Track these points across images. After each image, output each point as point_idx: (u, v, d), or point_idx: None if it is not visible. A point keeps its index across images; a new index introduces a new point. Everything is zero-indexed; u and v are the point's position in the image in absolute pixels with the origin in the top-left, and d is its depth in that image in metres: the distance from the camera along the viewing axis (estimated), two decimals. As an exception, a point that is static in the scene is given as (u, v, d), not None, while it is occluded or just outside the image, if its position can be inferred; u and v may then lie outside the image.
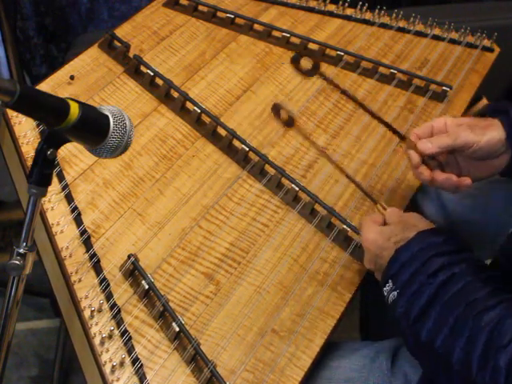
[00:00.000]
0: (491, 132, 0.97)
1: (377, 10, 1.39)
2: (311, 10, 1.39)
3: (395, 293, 0.86)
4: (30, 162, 1.04)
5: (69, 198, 1.01)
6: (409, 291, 0.85)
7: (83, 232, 0.98)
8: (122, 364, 0.87)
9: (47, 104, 0.71)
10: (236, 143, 1.13)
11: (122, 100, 1.16)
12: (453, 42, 1.38)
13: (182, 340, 0.90)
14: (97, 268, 0.95)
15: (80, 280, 0.93)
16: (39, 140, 1.06)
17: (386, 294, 0.89)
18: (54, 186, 1.02)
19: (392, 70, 1.28)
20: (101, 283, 0.93)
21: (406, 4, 2.04)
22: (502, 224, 1.10)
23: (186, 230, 1.02)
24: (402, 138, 1.01)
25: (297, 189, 1.08)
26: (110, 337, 0.89)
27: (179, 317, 0.91)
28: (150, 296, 0.93)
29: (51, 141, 0.74)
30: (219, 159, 1.12)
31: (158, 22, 1.30)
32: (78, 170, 1.05)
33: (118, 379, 0.86)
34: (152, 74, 1.17)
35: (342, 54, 1.29)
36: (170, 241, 1.00)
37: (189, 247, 1.00)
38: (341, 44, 1.33)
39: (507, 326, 0.76)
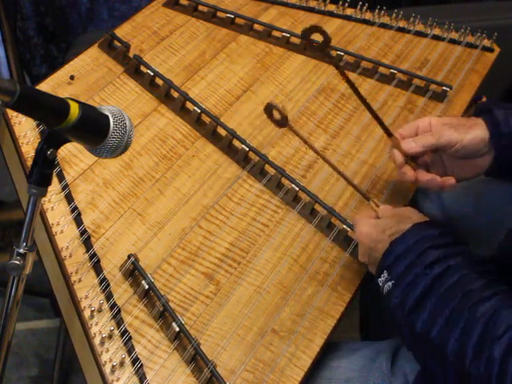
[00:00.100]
0: (474, 131, 0.98)
1: (377, 10, 1.39)
2: (311, 10, 1.39)
3: (390, 283, 0.86)
4: (29, 162, 1.04)
5: (69, 198, 1.01)
6: (404, 282, 0.85)
7: (83, 232, 0.98)
8: (121, 364, 0.87)
9: (47, 104, 0.71)
10: (236, 143, 1.13)
11: (121, 100, 1.16)
12: (453, 42, 1.38)
13: (182, 340, 0.90)
14: (97, 268, 0.95)
15: (80, 280, 0.93)
16: (39, 140, 1.06)
17: (380, 284, 0.88)
18: (54, 186, 1.02)
19: (392, 70, 1.28)
20: (101, 283, 0.93)
21: (406, 4, 2.04)
22: (499, 222, 1.10)
23: (185, 230, 1.02)
24: (390, 136, 1.02)
25: (297, 189, 1.08)
26: (110, 337, 0.89)
27: (179, 317, 0.91)
28: (149, 296, 0.93)
29: (51, 141, 0.74)
30: (219, 159, 1.12)
31: (157, 22, 1.30)
32: (78, 170, 1.05)
33: (117, 379, 0.86)
34: (152, 74, 1.17)
35: (342, 54, 1.29)
36: (170, 241, 1.00)
37: (189, 247, 1.00)
38: (341, 44, 1.33)
39: (502, 318, 0.76)
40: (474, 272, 0.83)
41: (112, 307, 0.91)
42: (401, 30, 1.39)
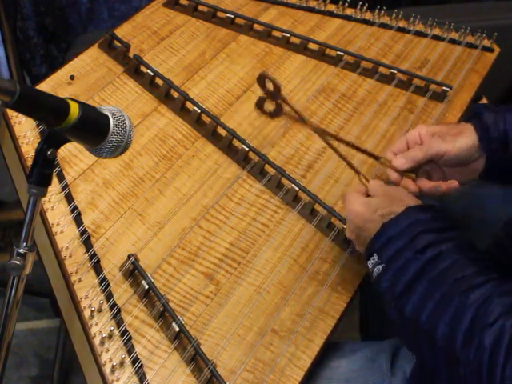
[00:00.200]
0: (462, 139, 0.99)
1: (377, 10, 1.39)
2: (311, 10, 1.39)
3: (380, 267, 0.86)
4: (29, 162, 1.04)
5: (69, 198, 1.01)
6: (395, 265, 0.84)
7: (83, 232, 0.98)
8: (121, 364, 0.87)
9: (47, 104, 0.71)
10: (236, 143, 1.13)
11: (122, 100, 1.16)
12: (453, 42, 1.38)
13: (182, 340, 0.90)
14: (97, 268, 0.95)
15: (80, 280, 0.93)
16: (39, 140, 1.06)
17: (370, 267, 0.88)
18: (54, 186, 1.02)
19: (392, 70, 1.28)
20: (101, 283, 0.93)
21: (406, 4, 2.04)
22: (499, 221, 1.10)
23: (186, 230, 1.02)
24: (377, 158, 1.03)
25: (297, 189, 1.08)
26: (110, 337, 0.89)
27: (179, 317, 0.91)
28: (149, 296, 0.93)
29: (51, 141, 0.74)
30: (219, 159, 1.12)
31: (158, 22, 1.30)
32: (78, 170, 1.05)
33: (117, 379, 0.86)
34: (152, 74, 1.17)
35: (342, 54, 1.29)
36: (170, 241, 1.00)
37: (189, 247, 1.00)
38: (341, 44, 1.33)
39: (494, 305, 0.76)
40: (467, 258, 0.83)
41: (112, 307, 0.91)
42: (401, 29, 1.39)
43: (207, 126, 1.14)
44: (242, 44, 1.30)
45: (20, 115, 1.08)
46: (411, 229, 0.86)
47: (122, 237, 1.00)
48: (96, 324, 0.90)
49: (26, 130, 1.08)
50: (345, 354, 1.01)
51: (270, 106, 0.94)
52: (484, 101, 1.30)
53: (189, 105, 1.16)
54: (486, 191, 1.23)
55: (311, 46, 1.31)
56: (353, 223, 0.94)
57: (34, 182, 0.74)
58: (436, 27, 1.39)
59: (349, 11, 1.40)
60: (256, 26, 1.32)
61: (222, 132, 1.13)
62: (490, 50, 1.38)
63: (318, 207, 1.07)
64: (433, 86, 1.28)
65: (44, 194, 0.76)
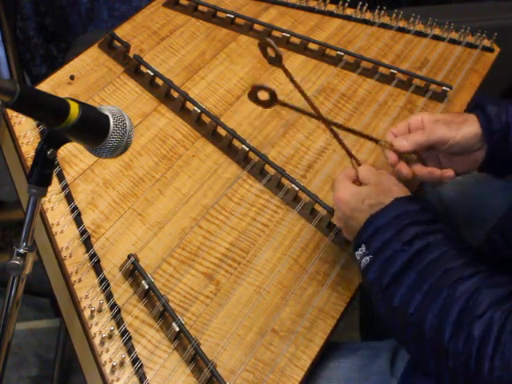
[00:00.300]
0: (467, 127, 0.98)
1: (377, 10, 1.39)
2: (311, 10, 1.39)
3: (368, 258, 0.86)
4: (29, 162, 1.04)
5: (69, 198, 1.01)
6: (382, 257, 0.84)
7: (83, 232, 0.98)
8: (121, 364, 0.87)
9: (47, 104, 0.72)
10: (236, 143, 1.13)
11: (122, 100, 1.16)
12: (453, 42, 1.38)
13: (182, 340, 0.90)
14: (97, 268, 0.95)
15: (80, 280, 0.93)
16: (39, 140, 1.06)
17: (358, 258, 0.88)
18: (54, 186, 1.02)
19: (392, 70, 1.28)
20: (101, 283, 0.93)
21: (406, 4, 2.04)
22: (491, 212, 1.11)
23: (186, 230, 1.02)
24: (377, 141, 1.03)
25: (297, 189, 1.08)
26: (110, 337, 0.89)
27: (179, 317, 0.91)
28: (149, 296, 0.93)
29: (51, 141, 0.74)
30: (219, 159, 1.12)
31: (158, 22, 1.30)
32: (78, 170, 1.05)
33: (117, 379, 0.86)
34: (152, 74, 1.17)
35: (342, 54, 1.29)
36: (170, 241, 1.00)
37: (189, 247, 1.00)
38: (341, 44, 1.33)
39: (483, 297, 0.76)
40: (455, 249, 0.83)
41: (112, 307, 0.91)
42: (401, 30, 1.39)
43: (207, 126, 1.14)
44: (241, 44, 1.30)
45: (20, 115, 1.08)
46: (399, 220, 0.86)
47: (122, 237, 1.00)
48: (96, 324, 0.90)
49: (26, 130, 1.08)
50: (345, 354, 1.01)
51: (262, 96, 0.93)
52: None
53: (189, 105, 1.16)
54: (486, 191, 1.23)
55: (311, 45, 1.31)
56: (340, 211, 0.94)
57: (34, 182, 0.74)
58: (436, 27, 1.39)
59: (349, 11, 1.40)
60: (256, 26, 1.32)
61: (222, 132, 1.13)
62: (490, 50, 1.38)
63: (317, 207, 1.07)
64: (433, 86, 1.28)
65: (44, 194, 0.76)
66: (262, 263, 1.01)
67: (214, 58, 1.26)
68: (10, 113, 1.09)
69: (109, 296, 0.92)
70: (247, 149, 1.11)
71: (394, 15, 1.39)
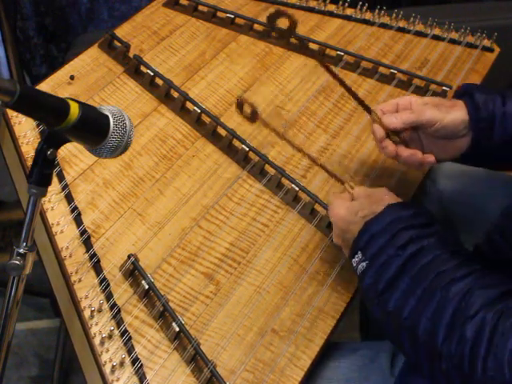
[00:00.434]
0: (456, 112, 0.99)
1: (377, 10, 1.39)
2: (311, 10, 1.39)
3: (364, 264, 0.86)
4: (29, 162, 1.04)
5: (69, 198, 1.01)
6: (377, 262, 0.85)
7: (83, 232, 0.98)
8: (122, 364, 0.87)
9: (47, 104, 0.71)
10: (236, 143, 1.13)
11: (122, 100, 1.16)
12: (453, 42, 1.38)
13: (182, 340, 0.90)
14: (97, 268, 0.95)
15: (80, 280, 0.93)
16: (39, 140, 1.06)
17: (354, 265, 0.89)
18: (54, 186, 1.02)
19: (392, 70, 1.28)
20: (101, 283, 0.93)
21: (406, 4, 2.04)
22: (490, 212, 1.11)
23: (186, 230, 1.02)
24: (370, 111, 1.03)
25: (297, 189, 1.08)
26: (110, 337, 0.89)
27: (179, 317, 0.91)
28: (150, 296, 0.93)
29: (51, 141, 0.74)
30: (219, 159, 1.12)
31: (158, 22, 1.30)
32: (78, 170, 1.05)
33: (117, 379, 0.86)
34: (152, 74, 1.17)
35: (342, 54, 1.29)
36: (170, 241, 1.00)
37: (189, 247, 1.00)
38: (341, 44, 1.33)
39: (475, 298, 0.76)
40: (448, 252, 0.83)
41: (112, 307, 0.91)
42: (401, 30, 1.39)
43: (207, 126, 1.14)
44: (242, 44, 1.30)
45: (20, 115, 1.08)
46: (392, 226, 0.86)
47: (122, 237, 1.00)
48: (96, 324, 0.90)
49: (26, 130, 1.08)
50: (345, 354, 1.01)
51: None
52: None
53: (189, 105, 1.16)
54: (486, 191, 1.23)
55: (311, 45, 1.31)
56: (337, 227, 0.95)
57: (34, 182, 0.74)
58: (436, 27, 1.39)
59: (349, 11, 1.40)
60: (256, 26, 1.32)
61: (222, 132, 1.13)
62: (490, 50, 1.38)
63: (317, 207, 1.07)
64: (433, 86, 1.28)
65: (44, 194, 0.76)
66: (261, 263, 1.01)
67: (214, 58, 1.26)
68: (10, 113, 1.09)
69: (109, 296, 0.92)
70: (247, 149, 1.11)
71: (394, 15, 1.39)
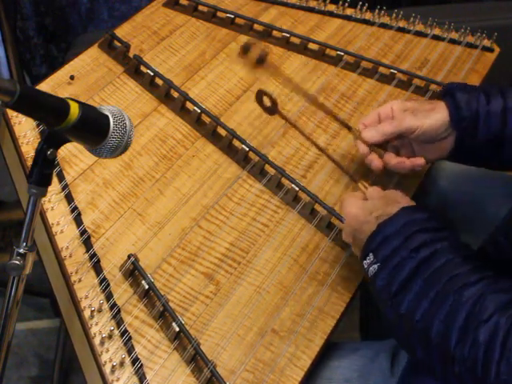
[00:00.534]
0: (434, 115, 1.00)
1: (377, 10, 1.39)
2: (311, 10, 1.39)
3: (376, 266, 0.86)
4: (29, 162, 1.04)
5: (69, 198, 1.01)
6: (390, 264, 0.85)
7: (83, 232, 0.98)
8: (122, 364, 0.87)
9: (47, 104, 0.71)
10: (236, 143, 1.13)
11: (122, 100, 1.16)
12: (453, 42, 1.38)
13: (182, 340, 0.90)
14: (97, 268, 0.95)
15: (80, 280, 0.93)
16: (39, 140, 1.06)
17: (365, 266, 0.88)
18: (54, 186, 1.02)
19: (392, 70, 1.28)
20: (101, 283, 0.93)
21: (406, 4, 2.04)
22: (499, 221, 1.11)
23: (186, 230, 1.02)
24: (350, 128, 1.04)
25: (297, 189, 1.08)
26: (110, 337, 0.89)
27: (179, 317, 0.91)
28: (150, 296, 0.93)
29: (51, 141, 0.74)
30: (219, 159, 1.12)
31: (158, 22, 1.30)
32: (78, 170, 1.05)
33: (117, 379, 0.86)
34: (152, 74, 1.17)
35: (342, 54, 1.29)
36: (170, 241, 1.00)
37: (189, 247, 1.00)
38: (341, 44, 1.33)
39: (488, 302, 0.76)
40: (461, 257, 0.83)
41: (112, 307, 0.91)
42: (401, 30, 1.39)
43: (207, 126, 1.14)
44: (242, 44, 1.30)
45: (20, 115, 1.08)
46: (406, 228, 0.86)
47: (122, 237, 1.00)
48: (96, 324, 0.90)
49: (26, 130, 1.08)
50: (345, 354, 1.01)
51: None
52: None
53: (189, 105, 1.16)
54: (486, 191, 1.23)
55: (311, 45, 1.31)
56: (349, 226, 0.94)
57: (34, 182, 0.74)
58: (436, 27, 1.39)
59: (349, 11, 1.40)
60: (256, 26, 1.32)
61: (222, 132, 1.13)
62: (490, 50, 1.38)
63: (317, 207, 1.07)
64: (433, 86, 1.28)
65: (44, 194, 0.76)
66: (262, 263, 1.01)
67: (213, 58, 1.26)
68: (10, 113, 1.09)
69: (109, 296, 0.92)
70: (247, 149, 1.11)
71: (394, 15, 1.39)
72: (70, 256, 0.96)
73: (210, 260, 1.00)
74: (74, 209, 1.00)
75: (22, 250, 0.76)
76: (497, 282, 0.80)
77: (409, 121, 0.99)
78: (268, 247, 1.03)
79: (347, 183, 1.12)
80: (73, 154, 1.07)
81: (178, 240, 1.01)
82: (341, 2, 1.39)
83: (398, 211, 0.89)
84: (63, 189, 1.02)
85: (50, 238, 0.97)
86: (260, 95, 0.96)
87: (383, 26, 1.39)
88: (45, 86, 1.15)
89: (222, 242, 1.02)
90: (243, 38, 1.30)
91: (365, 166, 1.15)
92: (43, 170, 0.75)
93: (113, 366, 0.86)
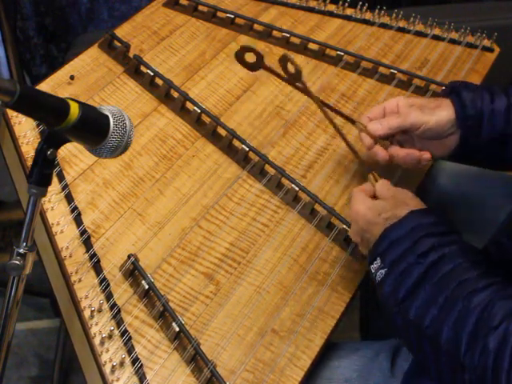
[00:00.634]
0: (441, 112, 1.00)
1: (377, 10, 1.39)
2: (311, 10, 1.39)
3: (383, 271, 0.85)
4: (30, 162, 1.04)
5: (69, 198, 1.01)
6: (397, 270, 0.84)
7: (83, 232, 0.98)
8: (122, 364, 0.87)
9: (47, 104, 0.72)
10: (236, 143, 1.13)
11: (122, 100, 1.16)
12: (453, 42, 1.38)
13: (182, 340, 0.90)
14: (97, 268, 0.95)
15: (80, 280, 0.93)
16: (39, 140, 1.06)
17: (373, 271, 0.88)
18: (54, 186, 1.02)
19: (392, 70, 1.28)
20: (101, 283, 0.93)
21: (406, 4, 2.04)
22: (499, 222, 1.11)
23: (186, 230, 1.02)
24: (353, 122, 1.03)
25: (297, 189, 1.08)
26: (110, 337, 0.89)
27: (179, 317, 0.91)
28: (150, 296, 0.93)
29: (51, 141, 0.74)
30: (219, 159, 1.12)
31: (158, 22, 1.30)
32: (78, 170, 1.05)
33: (117, 379, 0.86)
34: (152, 74, 1.17)
35: (342, 54, 1.29)
36: (170, 241, 1.00)
37: (189, 247, 1.00)
38: (341, 44, 1.33)
39: (497, 308, 0.76)
40: (469, 261, 0.82)
41: (112, 307, 0.91)
42: (401, 30, 1.39)
43: (207, 126, 1.14)
44: (241, 44, 1.30)
45: (20, 115, 1.08)
46: (414, 233, 0.85)
47: (122, 237, 1.00)
48: (96, 324, 0.90)
49: (26, 130, 1.08)
50: (345, 354, 1.01)
51: (249, 58, 0.94)
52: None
53: (189, 105, 1.16)
54: (486, 191, 1.23)
55: (311, 45, 1.31)
56: (357, 224, 0.93)
57: (34, 182, 0.74)
58: (436, 27, 1.39)
59: (349, 11, 1.40)
60: (256, 26, 1.32)
61: (222, 132, 1.13)
62: (490, 50, 1.38)
63: (317, 207, 1.07)
64: (433, 86, 1.28)
65: (44, 194, 0.76)
66: (262, 263, 1.01)
67: (213, 58, 1.26)
68: (10, 113, 1.09)
69: (109, 296, 0.92)
70: (247, 149, 1.11)
71: (394, 15, 1.39)
72: (70, 256, 0.96)
73: (210, 260, 1.00)
74: (74, 209, 1.00)
75: (22, 250, 0.76)
76: (506, 288, 0.79)
77: (415, 116, 0.99)
78: (268, 247, 1.03)
79: (347, 183, 1.12)
80: (73, 154, 1.07)
81: (178, 240, 1.01)
82: (341, 2, 1.39)
83: (407, 215, 0.88)
84: (63, 189, 1.02)
85: (50, 238, 0.97)
86: (284, 60, 0.94)
87: (383, 25, 1.39)
88: (45, 86, 1.15)
89: (222, 241, 1.02)
90: (243, 38, 1.30)
91: (365, 166, 1.15)
92: (43, 170, 0.75)
93: (113, 366, 0.86)
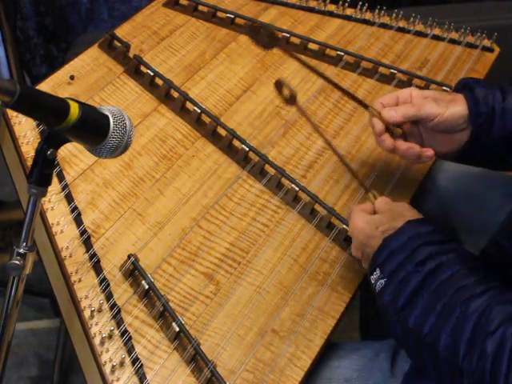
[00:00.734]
0: (455, 106, 0.99)
1: (377, 10, 1.39)
2: (311, 10, 1.39)
3: (382, 281, 0.86)
4: (29, 162, 1.04)
5: (69, 198, 1.01)
6: (396, 279, 0.84)
7: (83, 232, 0.98)
8: (121, 364, 0.87)
9: (47, 104, 0.72)
10: (236, 143, 1.13)
11: (122, 100, 1.16)
12: (453, 42, 1.38)
13: (182, 340, 0.90)
14: (97, 268, 0.95)
15: (80, 280, 0.93)
16: (39, 140, 1.06)
17: (373, 281, 0.88)
18: (54, 186, 1.02)
19: (392, 70, 1.28)
20: (101, 283, 0.93)
21: (406, 4, 2.04)
22: (499, 222, 1.11)
23: (186, 230, 1.02)
24: (366, 107, 1.03)
25: (297, 189, 1.08)
26: (110, 337, 0.89)
27: (179, 317, 0.91)
28: (150, 296, 0.93)
29: (51, 141, 0.74)
30: (219, 159, 1.12)
31: (158, 22, 1.30)
32: (78, 170, 1.05)
33: (117, 379, 0.86)
34: (152, 74, 1.17)
35: (342, 54, 1.29)
36: (170, 241, 1.00)
37: (189, 247, 1.00)
38: (341, 44, 1.33)
39: (495, 313, 0.76)
40: (467, 268, 0.83)
41: (112, 307, 0.91)
42: (401, 30, 1.39)
43: (207, 126, 1.14)
44: (241, 44, 1.30)
45: (20, 115, 1.08)
46: (411, 242, 0.86)
47: (122, 237, 1.00)
48: (96, 324, 0.90)
49: (26, 130, 1.08)
50: (345, 354, 1.01)
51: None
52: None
53: (189, 105, 1.16)
54: (486, 191, 1.23)
55: (311, 45, 1.31)
56: (357, 240, 0.94)
57: (34, 181, 0.74)
58: (436, 27, 1.39)
59: (349, 11, 1.40)
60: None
61: (222, 132, 1.13)
62: (490, 50, 1.38)
63: (317, 207, 1.07)
64: (433, 86, 1.28)
65: (44, 194, 0.76)
66: (262, 263, 1.01)
67: (214, 58, 1.26)
68: (10, 113, 1.09)
69: (109, 296, 0.92)
70: (247, 149, 1.11)
71: (394, 15, 1.39)
72: (70, 256, 0.96)
73: (210, 260, 1.00)
74: (74, 209, 1.00)
75: (22, 250, 0.76)
76: (503, 293, 0.79)
77: (430, 107, 0.98)
78: (268, 247, 1.03)
79: (347, 183, 1.12)
80: (73, 154, 1.07)
81: (178, 240, 1.01)
82: (341, 2, 1.39)
83: (404, 225, 0.88)
84: (63, 189, 1.02)
85: (50, 238, 0.97)
86: (280, 85, 0.95)
87: (383, 25, 1.39)
88: (45, 86, 1.15)
89: (222, 241, 1.02)
90: (243, 38, 1.30)
91: (365, 166, 1.15)
92: (43, 170, 0.75)
93: (113, 366, 0.86)
